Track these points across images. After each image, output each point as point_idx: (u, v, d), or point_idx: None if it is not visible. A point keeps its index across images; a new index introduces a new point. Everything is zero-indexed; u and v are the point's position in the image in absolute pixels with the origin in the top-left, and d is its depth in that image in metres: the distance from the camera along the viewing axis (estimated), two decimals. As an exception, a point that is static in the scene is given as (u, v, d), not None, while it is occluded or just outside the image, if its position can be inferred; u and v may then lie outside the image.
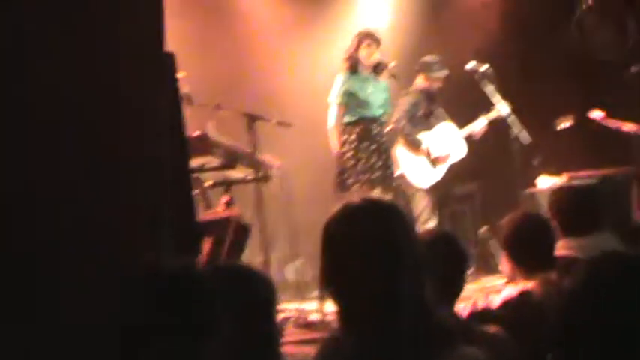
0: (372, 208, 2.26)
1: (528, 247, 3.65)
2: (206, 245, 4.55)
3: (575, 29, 8.73)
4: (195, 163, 5.31)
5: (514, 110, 7.39)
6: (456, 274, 3.30)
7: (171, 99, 3.51)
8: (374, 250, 2.16)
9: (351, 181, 6.77)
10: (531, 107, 7.76)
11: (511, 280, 3.74)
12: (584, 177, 7.35)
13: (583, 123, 8.30)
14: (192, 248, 3.52)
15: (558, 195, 4.23)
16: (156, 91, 3.02)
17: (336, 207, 2.27)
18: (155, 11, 3.15)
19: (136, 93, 2.94)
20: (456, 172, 7.84)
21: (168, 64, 3.55)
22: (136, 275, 2.09)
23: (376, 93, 6.99)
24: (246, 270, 2.51)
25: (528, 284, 3.57)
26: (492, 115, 7.58)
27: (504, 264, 3.78)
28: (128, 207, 2.83)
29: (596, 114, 7.96)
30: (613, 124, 7.84)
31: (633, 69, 7.62)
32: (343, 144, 6.86)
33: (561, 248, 3.88)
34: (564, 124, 8.28)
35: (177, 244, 3.14)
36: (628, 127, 7.76)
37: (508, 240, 3.73)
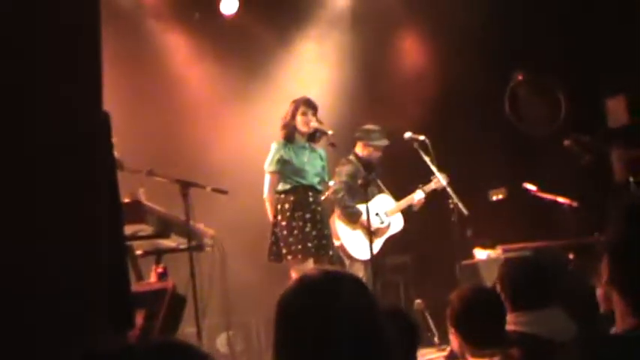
0: (330, 281, 2.07)
1: (479, 323, 3.48)
2: (138, 319, 4.23)
3: (507, 103, 8.75)
4: (127, 230, 5.03)
5: (450, 182, 7.28)
6: (410, 350, 3.13)
7: (108, 163, 3.26)
8: (335, 327, 1.97)
9: (285, 251, 6.55)
10: (465, 179, 7.69)
11: (460, 356, 3.56)
12: (519, 249, 7.27)
13: (516, 195, 8.28)
14: (126, 324, 3.24)
15: (508, 267, 4.07)
16: (94, 156, 2.76)
17: (291, 279, 2.13)
18: (94, 70, 2.91)
19: (73, 159, 2.68)
20: (390, 243, 7.67)
21: (105, 125, 3.30)
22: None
23: (312, 161, 6.83)
24: (183, 347, 2.25)
25: (481, 363, 3.40)
26: (430, 186, 7.46)
27: (452, 340, 3.59)
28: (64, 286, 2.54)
29: (530, 186, 7.92)
30: (548, 196, 7.80)
31: (566, 143, 7.60)
32: (277, 212, 6.66)
33: (510, 323, 3.72)
34: (497, 195, 8.26)
35: (112, 320, 2.88)
36: (562, 199, 7.73)
37: (457, 315, 3.54)
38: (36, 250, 2.46)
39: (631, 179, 7.52)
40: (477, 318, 3.46)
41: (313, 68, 9.23)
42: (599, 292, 4.48)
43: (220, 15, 9.02)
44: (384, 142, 7.53)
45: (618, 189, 7.71)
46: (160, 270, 5.01)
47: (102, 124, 2.88)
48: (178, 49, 8.93)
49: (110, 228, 3.03)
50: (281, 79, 8.95)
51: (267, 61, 9.12)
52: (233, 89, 8.89)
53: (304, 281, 2.07)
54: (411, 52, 9.63)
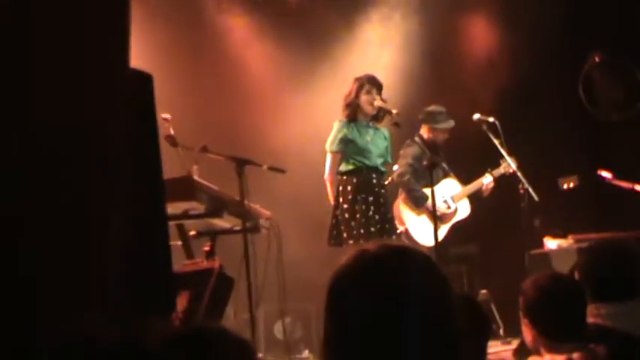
0: (394, 257, 1.71)
1: (557, 314, 3.07)
2: (182, 301, 3.91)
3: (582, 87, 8.28)
4: (177, 208, 4.73)
5: (520, 166, 6.84)
6: (480, 342, 2.75)
7: (145, 129, 2.91)
8: (397, 312, 1.63)
9: (345, 234, 6.18)
10: (534, 166, 7.23)
11: (534, 351, 3.16)
12: (592, 240, 6.79)
13: (588, 183, 7.85)
14: (164, 305, 2.90)
15: (592, 254, 3.63)
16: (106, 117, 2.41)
17: (347, 255, 1.73)
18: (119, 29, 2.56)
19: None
20: (454, 231, 7.26)
21: (142, 85, 2.95)
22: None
23: (376, 141, 6.46)
24: (218, 336, 1.91)
25: (557, 358, 2.99)
26: (499, 170, 7.02)
27: (526, 333, 3.18)
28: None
29: (605, 174, 7.43)
30: (625, 184, 7.31)
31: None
32: (339, 195, 6.30)
33: (591, 316, 3.30)
34: (568, 184, 7.83)
35: (147, 301, 2.57)
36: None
37: (532, 305, 3.14)
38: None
39: None
40: (555, 308, 3.08)
41: (378, 50, 8.86)
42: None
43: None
44: (450, 124, 7.13)
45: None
46: (206, 248, 4.68)
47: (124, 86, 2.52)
48: (240, 30, 8.67)
49: (146, 202, 2.72)
50: (345, 61, 8.58)
51: (331, 43, 8.77)
52: (294, 70, 8.61)
53: (362, 257, 1.71)
54: (480, 36, 9.20)
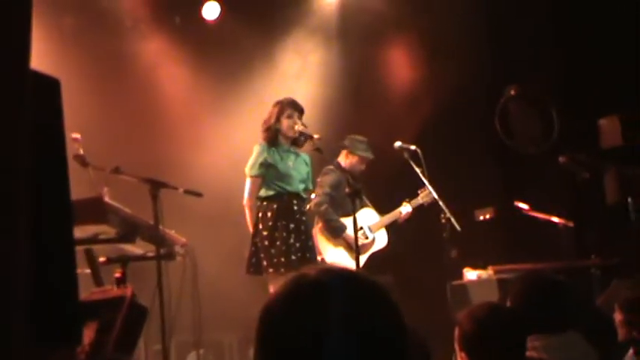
0: (338, 284, 1.43)
1: (497, 348, 2.85)
2: (89, 332, 3.52)
3: (498, 120, 8.21)
4: (86, 231, 4.35)
5: (440, 196, 6.66)
6: None
7: (51, 140, 2.55)
8: (344, 347, 1.36)
9: (265, 263, 5.86)
10: (452, 197, 7.06)
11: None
12: (511, 271, 6.68)
13: (505, 215, 7.77)
14: (68, 337, 2.52)
15: (524, 284, 3.43)
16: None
17: (280, 283, 1.48)
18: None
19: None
20: (370, 262, 7.03)
21: (48, 90, 2.59)
22: None
23: (297, 166, 6.21)
24: None
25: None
26: (417, 200, 6.84)
27: (460, 368, 2.94)
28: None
29: (522, 205, 7.34)
30: (542, 215, 7.23)
31: (561, 159, 7.01)
32: (258, 221, 5.99)
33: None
34: (485, 215, 7.77)
35: (49, 333, 2.20)
36: (557, 219, 7.16)
37: (469, 338, 2.90)
38: None
39: (629, 200, 6.98)
40: (495, 342, 2.85)
41: (296, 77, 8.66)
42: (618, 318, 3.89)
43: (202, 20, 8.53)
44: (369, 155, 6.93)
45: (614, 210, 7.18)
46: (117, 275, 4.30)
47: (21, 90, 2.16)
48: (157, 52, 8.43)
49: (50, 226, 2.38)
50: (262, 85, 8.40)
51: (249, 67, 8.57)
52: (212, 94, 8.39)
53: (298, 282, 1.44)
54: (400, 64, 9.13)
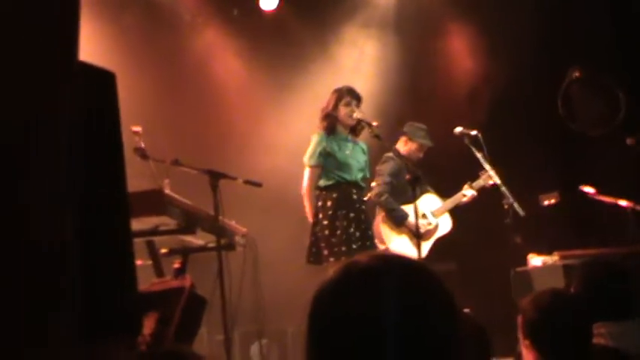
0: (388, 270, 1.38)
1: (563, 335, 2.76)
2: (149, 323, 3.53)
3: (561, 103, 8.03)
4: (147, 223, 4.36)
5: (503, 181, 6.54)
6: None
7: (103, 129, 2.54)
8: (383, 338, 1.32)
9: (326, 252, 5.81)
10: (515, 182, 6.93)
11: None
12: (578, 256, 6.52)
13: (570, 199, 7.59)
14: (128, 328, 2.52)
15: (591, 269, 3.33)
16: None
17: (331, 269, 1.44)
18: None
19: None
20: (434, 248, 6.94)
21: (102, 83, 2.59)
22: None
23: (355, 155, 6.13)
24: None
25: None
26: (479, 183, 6.70)
27: (527, 356, 2.86)
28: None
29: (588, 189, 7.16)
30: (608, 199, 7.04)
31: (629, 141, 6.83)
32: (318, 210, 5.95)
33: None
34: (550, 200, 7.59)
35: (109, 324, 2.20)
36: (625, 203, 6.96)
37: (535, 325, 2.81)
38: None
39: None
40: (560, 329, 2.76)
41: (353, 70, 8.59)
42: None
43: (260, 11, 8.53)
44: (428, 143, 6.84)
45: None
46: (176, 265, 4.30)
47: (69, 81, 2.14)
48: (215, 43, 8.48)
49: (106, 218, 2.37)
50: (318, 77, 8.33)
51: (305, 59, 8.56)
52: (269, 86, 8.41)
53: (349, 270, 1.40)
54: (458, 55, 8.99)
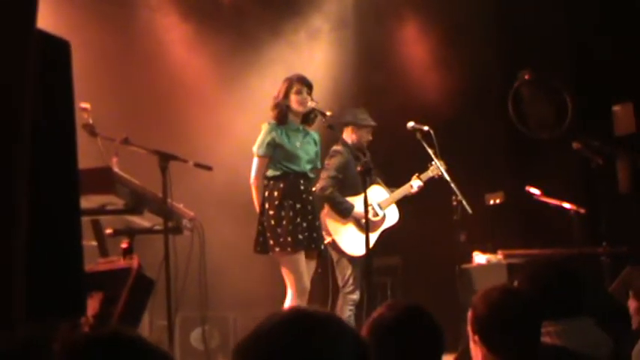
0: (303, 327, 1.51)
1: (511, 331, 2.75)
2: (94, 303, 3.44)
3: (511, 105, 8.09)
4: (93, 202, 4.26)
5: (451, 176, 6.54)
6: (434, 357, 2.44)
7: (57, 98, 2.46)
8: None
9: (272, 242, 5.76)
10: (462, 181, 6.95)
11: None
12: (522, 256, 6.60)
13: (516, 200, 7.67)
14: (72, 308, 2.46)
15: (540, 270, 3.33)
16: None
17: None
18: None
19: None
20: (379, 242, 6.92)
21: (57, 52, 2.50)
22: None
23: (305, 146, 6.04)
24: (134, 344, 1.56)
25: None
26: (427, 174, 6.67)
27: (475, 351, 2.85)
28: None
29: (534, 190, 7.23)
30: (553, 201, 7.12)
31: (575, 145, 6.89)
32: (265, 200, 5.88)
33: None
34: (495, 200, 7.68)
35: (52, 303, 2.14)
36: (569, 205, 7.05)
37: (484, 322, 2.80)
38: None
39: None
40: (510, 326, 2.74)
41: (309, 59, 8.52)
42: (632, 305, 3.80)
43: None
44: (372, 123, 6.77)
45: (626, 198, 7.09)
46: (124, 245, 4.21)
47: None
48: (170, 28, 8.37)
49: (55, 194, 2.29)
50: (273, 65, 8.24)
51: (261, 48, 8.50)
52: (224, 74, 8.35)
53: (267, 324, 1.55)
54: (414, 48, 8.99)
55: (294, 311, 1.51)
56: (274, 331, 1.47)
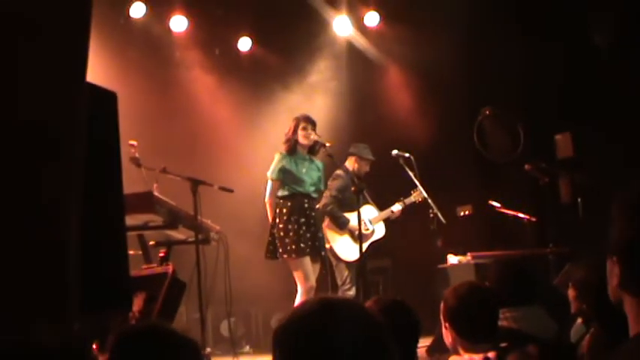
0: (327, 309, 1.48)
1: (474, 319, 2.74)
2: (139, 301, 3.43)
3: (476, 134, 8.08)
4: (138, 220, 4.28)
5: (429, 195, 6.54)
6: (411, 343, 2.39)
7: (108, 141, 2.46)
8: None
9: (280, 250, 5.79)
10: (437, 198, 6.93)
11: (453, 351, 2.81)
12: (485, 257, 6.56)
13: (481, 211, 7.66)
14: (121, 304, 2.45)
15: (500, 267, 3.33)
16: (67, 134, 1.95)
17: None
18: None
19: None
20: (372, 249, 6.90)
21: (106, 101, 2.51)
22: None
23: (310, 172, 6.08)
24: (168, 334, 1.56)
25: (474, 357, 2.67)
26: (410, 199, 6.69)
27: (446, 335, 2.83)
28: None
29: (495, 203, 7.22)
30: (510, 212, 7.11)
31: (527, 167, 6.90)
32: (276, 215, 5.89)
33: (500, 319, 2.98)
34: (465, 211, 7.68)
35: (106, 300, 2.14)
36: (523, 215, 7.03)
37: (453, 310, 2.78)
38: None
39: (579, 200, 6.91)
40: (472, 314, 2.74)
41: (311, 100, 8.53)
42: (571, 294, 3.80)
43: (237, 51, 8.54)
44: (372, 157, 6.77)
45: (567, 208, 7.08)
46: (161, 254, 4.21)
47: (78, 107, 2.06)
48: (201, 77, 8.39)
49: (107, 215, 2.31)
50: (282, 105, 8.31)
51: (272, 90, 8.52)
52: (244, 112, 8.37)
53: (298, 313, 1.50)
54: (397, 90, 8.96)
55: (323, 298, 1.49)
56: (308, 313, 1.45)
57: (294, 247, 5.76)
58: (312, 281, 5.75)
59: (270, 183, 6.01)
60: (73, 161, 1.92)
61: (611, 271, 1.48)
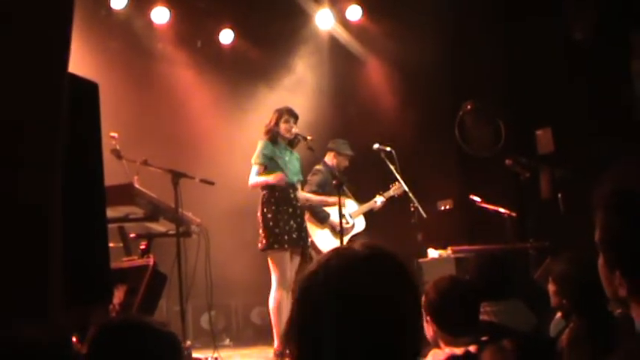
0: (369, 259, 1.46)
1: (454, 313, 2.75)
2: (119, 294, 3.41)
3: (457, 129, 8.10)
4: (119, 212, 4.25)
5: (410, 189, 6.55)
6: None
7: (88, 132, 2.45)
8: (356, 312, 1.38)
9: (271, 240, 5.77)
10: (418, 192, 6.95)
11: (434, 345, 2.82)
12: (465, 251, 6.58)
13: (462, 206, 7.68)
14: (102, 296, 2.43)
15: (481, 262, 3.34)
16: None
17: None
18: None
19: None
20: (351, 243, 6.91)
21: (87, 92, 2.49)
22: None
23: (292, 161, 6.08)
24: (148, 327, 1.55)
25: (455, 350, 2.67)
26: (389, 193, 6.71)
27: (427, 329, 2.84)
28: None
29: (475, 198, 7.25)
30: (491, 206, 7.13)
31: (508, 162, 6.93)
32: (264, 205, 5.87)
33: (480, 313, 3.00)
34: (445, 206, 7.69)
35: (86, 292, 2.13)
36: (503, 210, 7.06)
37: (434, 304, 2.79)
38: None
39: (559, 195, 6.94)
40: (453, 308, 2.75)
41: (292, 92, 8.51)
42: (551, 288, 3.83)
43: (219, 43, 8.52)
44: (351, 152, 6.76)
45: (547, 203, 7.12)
46: (142, 247, 4.19)
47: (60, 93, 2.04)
48: (182, 69, 8.38)
49: (89, 207, 2.29)
50: (264, 97, 8.28)
51: (254, 82, 8.48)
52: (225, 103, 8.34)
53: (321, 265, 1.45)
54: (378, 82, 8.96)
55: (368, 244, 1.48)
56: (328, 263, 1.44)
57: (285, 237, 5.76)
58: (288, 275, 5.75)
59: (255, 167, 5.96)
60: (54, 157, 1.91)
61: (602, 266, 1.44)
